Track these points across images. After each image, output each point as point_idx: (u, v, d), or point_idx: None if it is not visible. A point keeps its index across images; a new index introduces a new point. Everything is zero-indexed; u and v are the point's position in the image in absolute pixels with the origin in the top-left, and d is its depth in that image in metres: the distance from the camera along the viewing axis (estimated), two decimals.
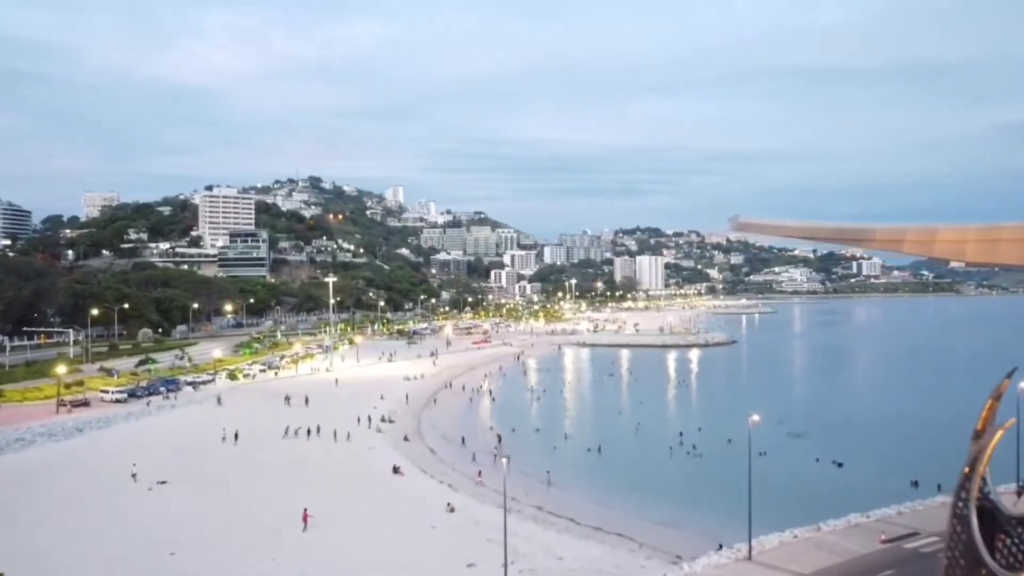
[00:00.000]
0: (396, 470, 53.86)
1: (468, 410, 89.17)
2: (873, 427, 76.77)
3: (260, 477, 52.34)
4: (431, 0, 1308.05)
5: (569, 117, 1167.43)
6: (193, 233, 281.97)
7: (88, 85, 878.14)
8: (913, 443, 68.55)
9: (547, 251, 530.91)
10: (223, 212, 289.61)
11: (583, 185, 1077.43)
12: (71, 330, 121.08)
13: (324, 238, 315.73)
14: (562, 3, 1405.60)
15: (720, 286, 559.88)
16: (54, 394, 77.38)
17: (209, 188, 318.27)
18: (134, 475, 50.21)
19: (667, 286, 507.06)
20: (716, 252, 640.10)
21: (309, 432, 66.01)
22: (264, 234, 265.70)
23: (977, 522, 20.54)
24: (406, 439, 67.13)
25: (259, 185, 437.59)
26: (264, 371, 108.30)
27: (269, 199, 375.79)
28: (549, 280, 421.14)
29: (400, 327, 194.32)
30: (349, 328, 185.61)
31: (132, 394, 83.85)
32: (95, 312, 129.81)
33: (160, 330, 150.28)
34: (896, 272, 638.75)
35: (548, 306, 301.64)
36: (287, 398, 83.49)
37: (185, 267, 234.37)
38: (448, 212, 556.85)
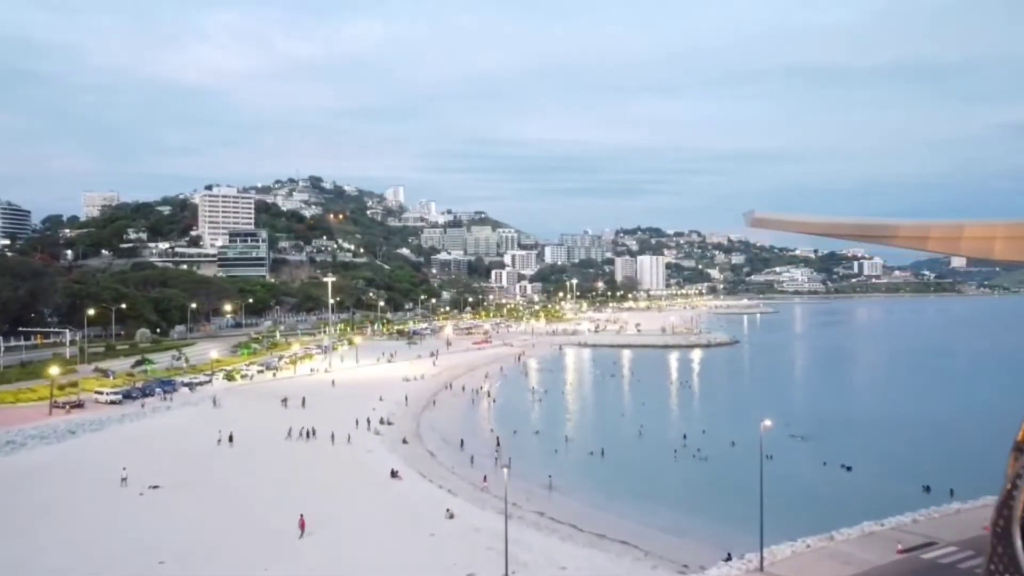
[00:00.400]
0: (394, 474, 52.58)
1: (468, 412, 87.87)
2: (878, 429, 75.50)
3: (255, 481, 51.07)
4: (432, 0, 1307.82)
5: (569, 117, 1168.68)
6: (192, 233, 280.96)
7: (88, 85, 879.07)
8: (920, 445, 67.46)
9: (548, 251, 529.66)
10: (223, 212, 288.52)
11: (584, 185, 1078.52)
12: (67, 330, 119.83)
13: (324, 238, 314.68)
14: (562, 3, 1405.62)
15: (721, 286, 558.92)
16: (48, 395, 76.10)
17: (209, 188, 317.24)
18: (124, 479, 48.85)
19: (668, 286, 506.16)
20: (717, 252, 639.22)
21: (308, 434, 64.80)
22: (264, 234, 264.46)
23: (1021, 542, 19.23)
24: (405, 442, 65.87)
25: (259, 185, 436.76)
26: (262, 372, 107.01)
27: (269, 199, 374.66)
28: (550, 280, 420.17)
29: (400, 327, 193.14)
30: (349, 328, 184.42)
31: (127, 395, 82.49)
32: (92, 312, 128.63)
33: (158, 330, 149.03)
34: (897, 272, 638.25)
35: (549, 306, 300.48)
36: (284, 400, 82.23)
37: (184, 267, 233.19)
38: (449, 212, 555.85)
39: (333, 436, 63.96)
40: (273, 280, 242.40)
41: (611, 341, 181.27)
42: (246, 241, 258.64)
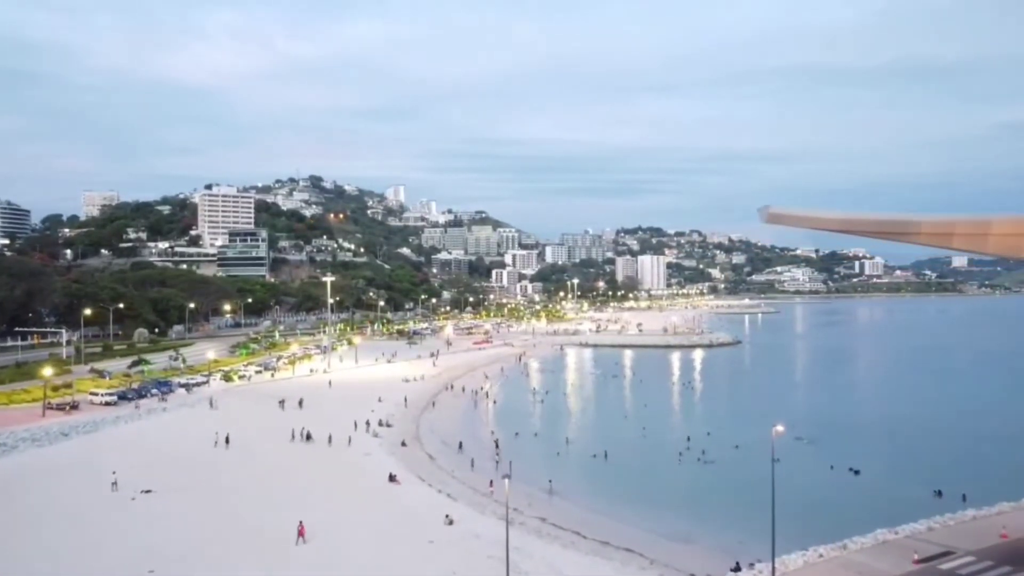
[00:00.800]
0: (392, 478, 51.39)
1: (468, 413, 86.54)
2: (884, 431, 74.31)
3: (251, 485, 49.85)
4: (433, 0, 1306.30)
5: (570, 117, 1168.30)
6: (192, 232, 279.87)
7: (88, 85, 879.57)
8: (927, 447, 66.29)
9: (548, 251, 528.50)
10: (222, 211, 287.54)
11: (584, 185, 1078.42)
12: (63, 330, 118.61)
13: (324, 237, 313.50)
14: (563, 3, 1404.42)
15: (722, 286, 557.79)
16: (42, 397, 74.87)
17: (209, 187, 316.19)
18: (114, 483, 47.58)
19: (669, 286, 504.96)
20: (718, 252, 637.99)
21: (307, 436, 63.65)
22: (263, 233, 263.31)
23: None
24: (404, 444, 64.64)
25: (259, 185, 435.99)
26: (260, 372, 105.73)
27: (269, 198, 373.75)
28: (551, 280, 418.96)
29: (400, 327, 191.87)
30: (348, 328, 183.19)
31: (123, 396, 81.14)
32: (90, 312, 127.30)
33: (156, 330, 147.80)
34: (899, 271, 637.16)
35: (550, 306, 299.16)
36: (281, 402, 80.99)
37: (184, 266, 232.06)
38: (449, 211, 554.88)
39: (331, 438, 62.81)
40: (273, 280, 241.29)
41: (612, 341, 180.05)
42: (246, 241, 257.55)
